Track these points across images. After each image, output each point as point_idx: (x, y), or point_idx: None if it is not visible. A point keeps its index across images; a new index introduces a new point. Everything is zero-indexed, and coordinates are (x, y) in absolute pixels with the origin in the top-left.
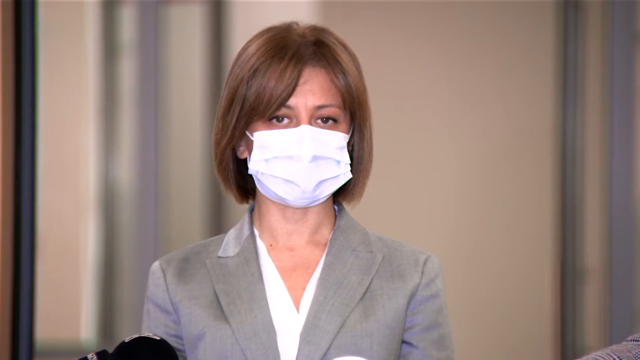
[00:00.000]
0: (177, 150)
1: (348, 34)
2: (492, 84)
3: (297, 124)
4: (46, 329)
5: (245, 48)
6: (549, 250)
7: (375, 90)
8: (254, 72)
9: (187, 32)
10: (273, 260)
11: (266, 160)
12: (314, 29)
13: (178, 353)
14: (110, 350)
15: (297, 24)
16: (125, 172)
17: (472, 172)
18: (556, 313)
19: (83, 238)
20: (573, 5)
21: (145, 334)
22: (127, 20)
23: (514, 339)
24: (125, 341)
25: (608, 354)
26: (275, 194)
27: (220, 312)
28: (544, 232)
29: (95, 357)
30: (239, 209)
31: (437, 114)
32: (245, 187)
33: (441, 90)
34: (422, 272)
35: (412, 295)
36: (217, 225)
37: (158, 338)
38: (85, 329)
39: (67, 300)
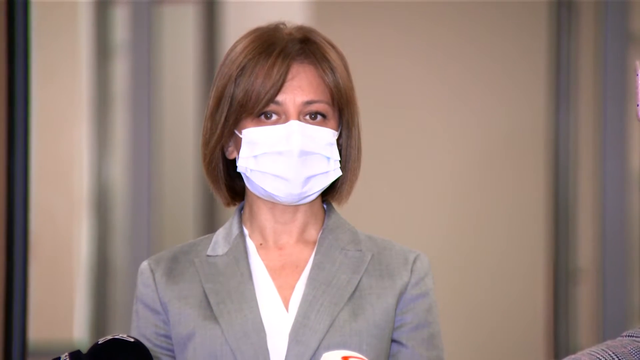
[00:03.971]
0: (170, 150)
1: (340, 33)
2: (485, 84)
3: (286, 120)
4: (39, 328)
5: (232, 48)
6: (542, 251)
7: (369, 89)
8: (242, 69)
9: (180, 33)
10: (262, 260)
11: (255, 156)
12: (301, 29)
13: (168, 353)
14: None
15: (284, 24)
16: (119, 172)
17: (465, 171)
18: (549, 313)
19: (76, 238)
20: (566, 5)
21: (119, 335)
22: (120, 21)
23: (508, 339)
24: (99, 342)
25: (603, 349)
26: (265, 190)
27: (209, 311)
28: (537, 232)
29: (68, 358)
30: (232, 209)
31: (430, 113)
32: (233, 188)
33: (434, 89)
34: (412, 271)
35: (401, 294)
36: (210, 224)
37: (132, 340)
38: (78, 329)
39: (60, 300)
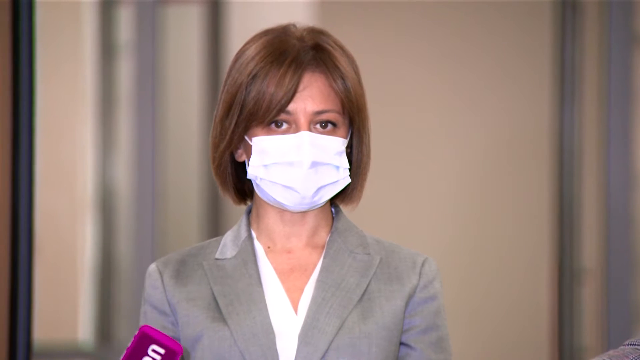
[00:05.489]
0: (175, 151)
1: (345, 34)
2: (489, 85)
3: (296, 130)
4: (44, 329)
5: (242, 51)
6: (546, 251)
7: (371, 90)
8: (253, 77)
9: (185, 33)
10: (271, 262)
11: (265, 165)
12: (312, 32)
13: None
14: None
15: (294, 25)
16: (123, 173)
17: (470, 172)
18: (554, 313)
19: (80, 239)
20: (571, 6)
21: None
22: (125, 21)
23: (512, 340)
24: None
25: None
26: (274, 199)
27: (218, 313)
28: (542, 232)
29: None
30: (236, 210)
31: (434, 114)
32: (242, 189)
33: (438, 90)
34: (420, 274)
35: (410, 297)
36: (214, 226)
37: None
38: (82, 330)
39: (65, 301)
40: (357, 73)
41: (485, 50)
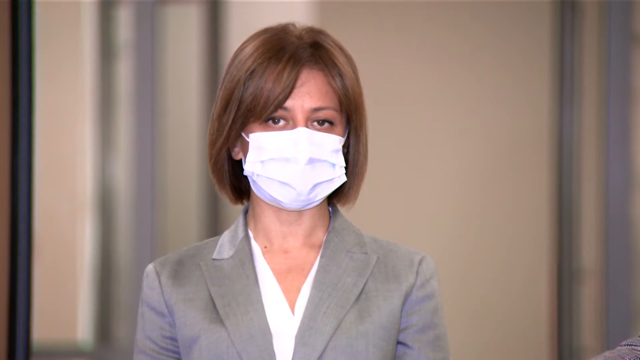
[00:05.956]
0: (174, 151)
1: (344, 34)
2: (489, 85)
3: (294, 126)
4: (43, 329)
5: (241, 49)
6: (546, 251)
7: (371, 90)
8: (251, 73)
9: (184, 33)
10: (268, 263)
11: (262, 161)
12: (311, 31)
13: (173, 356)
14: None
15: (293, 25)
16: (122, 172)
17: (469, 172)
18: (553, 313)
19: (80, 239)
20: (570, 6)
21: None
22: (124, 21)
23: (512, 339)
24: None
25: None
26: (270, 195)
27: (215, 314)
28: (541, 233)
29: None
30: (235, 209)
31: (434, 114)
32: (239, 187)
33: (438, 90)
34: (417, 273)
35: (407, 296)
36: (214, 225)
37: None
38: (82, 330)
39: (64, 301)
40: (355, 72)
41: (485, 50)
